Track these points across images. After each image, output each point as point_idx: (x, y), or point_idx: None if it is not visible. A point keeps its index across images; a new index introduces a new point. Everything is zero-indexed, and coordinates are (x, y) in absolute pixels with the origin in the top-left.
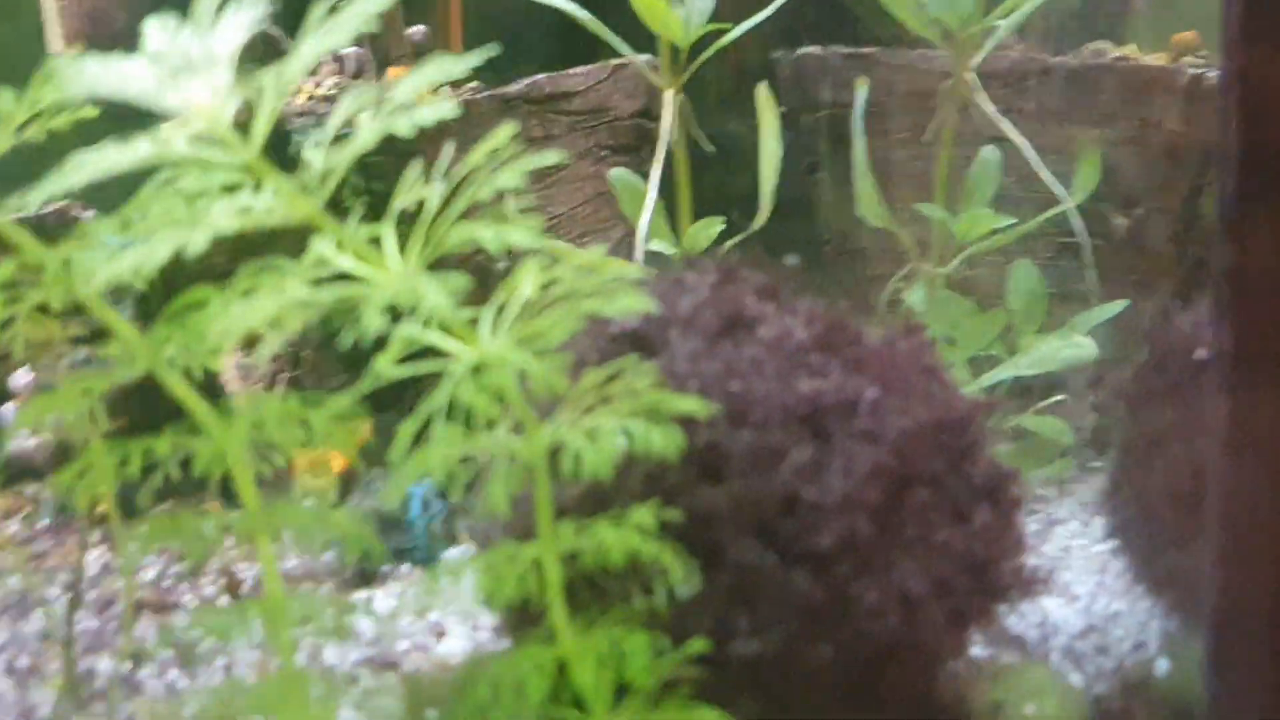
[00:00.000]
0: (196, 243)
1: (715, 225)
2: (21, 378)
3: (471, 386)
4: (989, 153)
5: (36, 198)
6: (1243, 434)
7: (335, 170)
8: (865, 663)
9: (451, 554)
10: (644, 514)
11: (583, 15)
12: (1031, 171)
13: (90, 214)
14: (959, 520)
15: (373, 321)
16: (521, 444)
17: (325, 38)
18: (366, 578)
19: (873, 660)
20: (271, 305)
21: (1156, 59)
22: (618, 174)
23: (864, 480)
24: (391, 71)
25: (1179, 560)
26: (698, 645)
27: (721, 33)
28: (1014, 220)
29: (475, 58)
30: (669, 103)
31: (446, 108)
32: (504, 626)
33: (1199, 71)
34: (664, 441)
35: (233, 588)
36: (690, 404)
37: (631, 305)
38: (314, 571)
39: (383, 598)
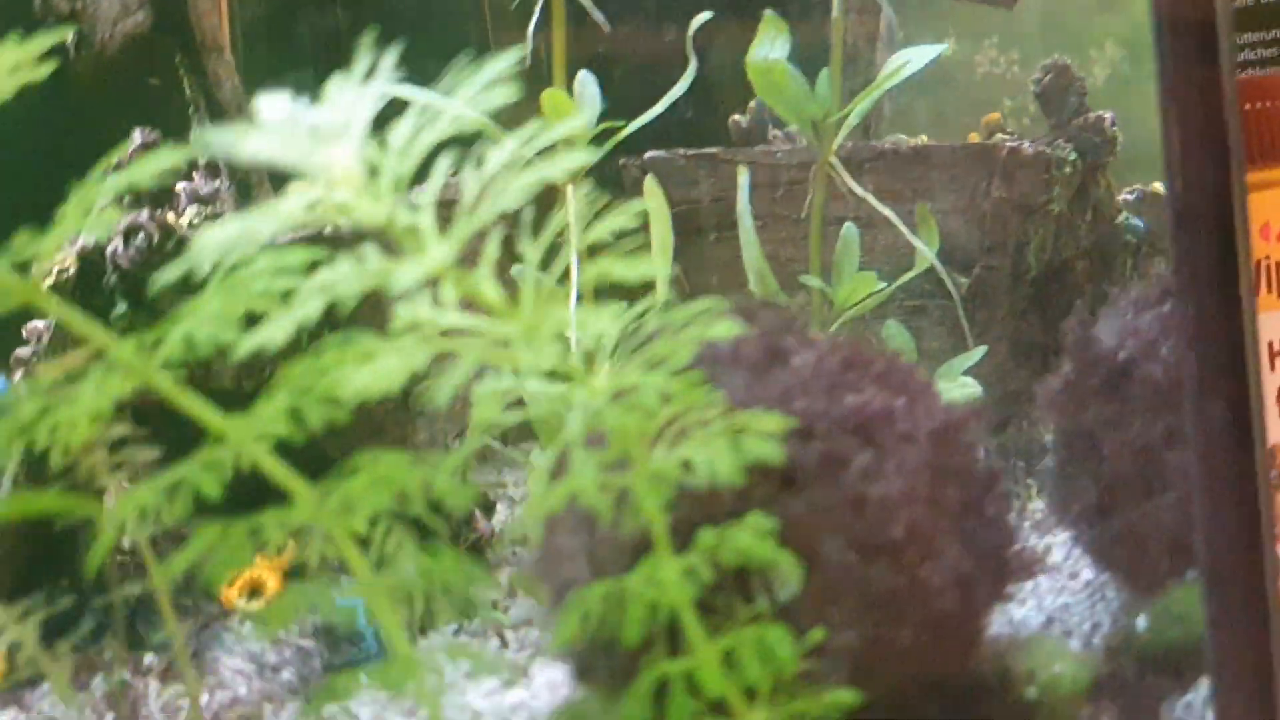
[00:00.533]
0: (348, 295)
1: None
2: None
3: (616, 412)
4: (849, 230)
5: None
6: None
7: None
8: (934, 640)
9: None
10: (758, 519)
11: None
12: (878, 243)
13: None
14: (978, 510)
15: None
16: (657, 462)
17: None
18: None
19: (938, 637)
20: (401, 362)
21: (972, 138)
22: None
23: (914, 475)
24: None
25: (1131, 530)
26: (817, 635)
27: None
28: (884, 285)
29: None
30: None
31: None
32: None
33: (1014, 144)
34: (768, 454)
35: None
36: (773, 422)
37: (728, 330)
38: (271, 693)
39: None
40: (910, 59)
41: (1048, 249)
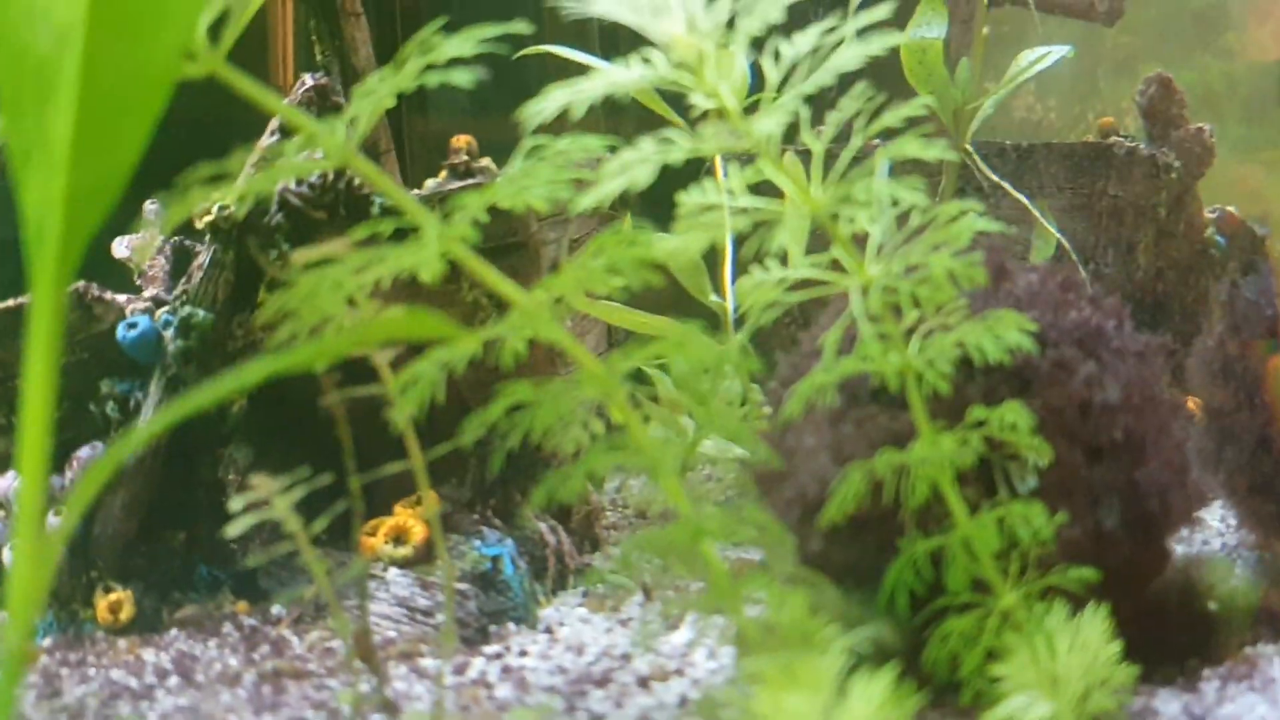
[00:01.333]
0: (677, 156)
1: None
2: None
3: (876, 301)
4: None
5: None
6: None
7: (784, 103)
8: (1144, 538)
9: (546, 613)
10: (1015, 410)
11: None
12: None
13: None
14: (1169, 432)
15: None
16: (923, 347)
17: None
18: (485, 635)
19: (1147, 537)
20: (698, 236)
21: (1087, 138)
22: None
23: (1129, 385)
24: None
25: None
26: (1061, 518)
27: None
28: None
29: None
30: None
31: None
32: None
33: (1131, 144)
34: (1024, 344)
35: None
36: (1021, 321)
37: (989, 225)
38: (425, 635)
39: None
40: (1038, 56)
41: (1151, 252)
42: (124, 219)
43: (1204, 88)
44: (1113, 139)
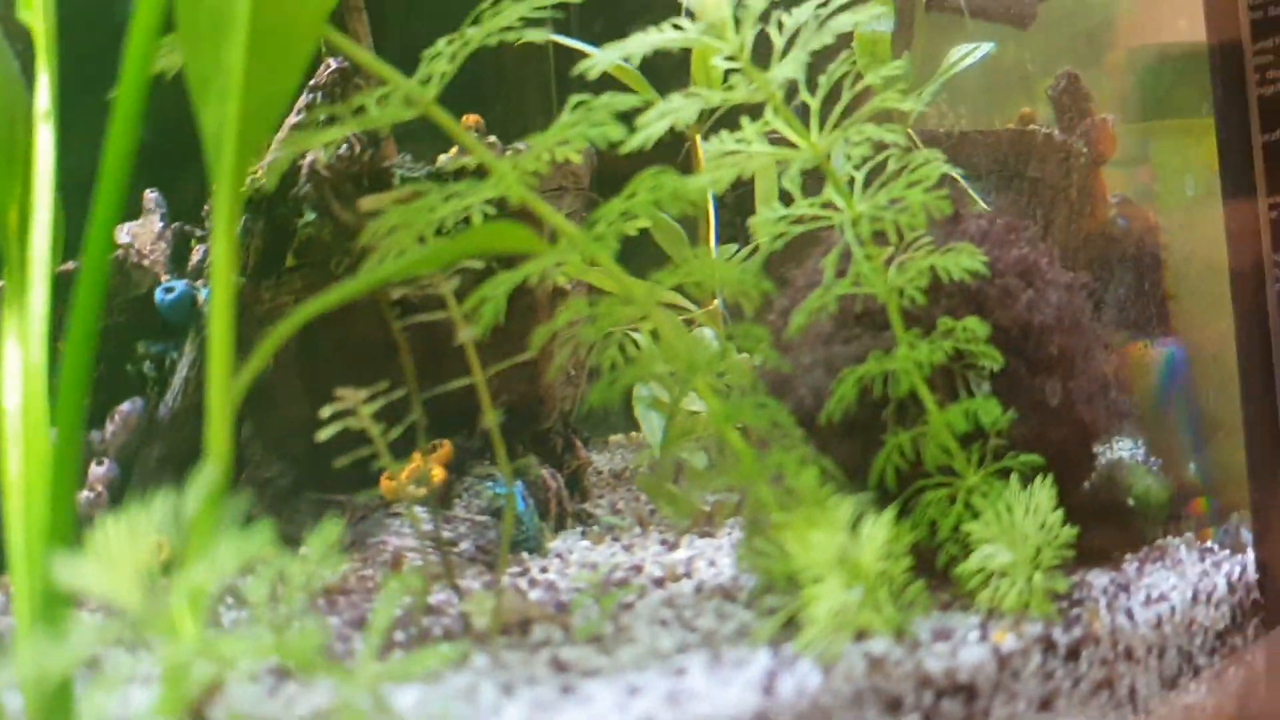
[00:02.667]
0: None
1: None
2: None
3: (865, 229)
4: None
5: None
6: None
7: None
8: (1075, 439)
9: (554, 545)
10: (974, 322)
11: None
12: None
13: None
14: (1092, 356)
15: (790, 183)
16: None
17: None
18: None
19: (1078, 438)
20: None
21: (1008, 125)
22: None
23: (1060, 310)
24: None
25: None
26: (1009, 416)
27: None
28: None
29: None
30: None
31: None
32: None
33: (1047, 131)
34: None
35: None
36: (976, 253)
37: (953, 169)
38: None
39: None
40: (966, 51)
41: (1066, 228)
42: (127, 208)
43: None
44: (1031, 126)
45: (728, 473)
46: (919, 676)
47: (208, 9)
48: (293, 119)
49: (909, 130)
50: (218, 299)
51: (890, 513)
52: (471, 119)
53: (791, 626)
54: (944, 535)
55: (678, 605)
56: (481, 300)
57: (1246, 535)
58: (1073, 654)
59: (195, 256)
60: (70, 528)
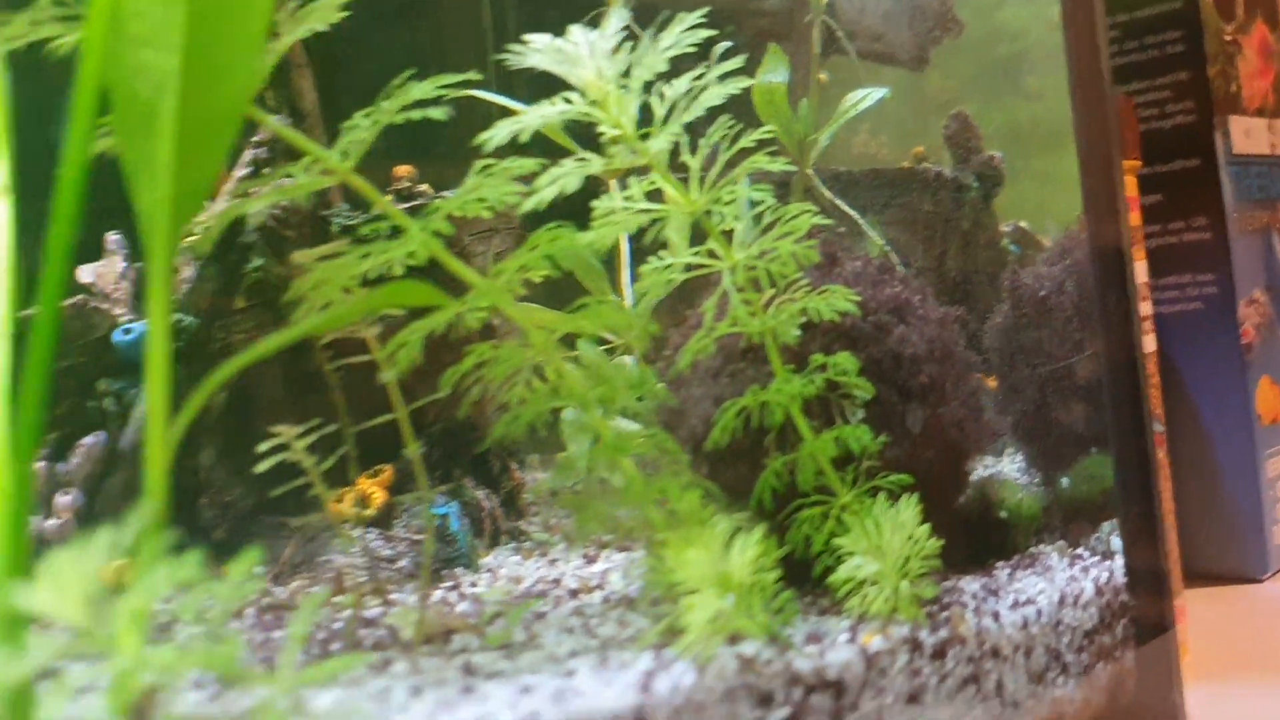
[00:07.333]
0: (593, 169)
1: None
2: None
3: (741, 277)
4: None
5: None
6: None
7: (670, 127)
8: (947, 461)
9: (486, 561)
10: (845, 356)
11: None
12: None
13: None
14: (964, 381)
15: (675, 239)
16: (776, 312)
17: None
18: (438, 577)
19: (949, 460)
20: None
21: (905, 163)
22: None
23: (931, 343)
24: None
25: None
26: (880, 441)
27: None
28: None
29: None
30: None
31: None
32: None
33: (938, 169)
34: (852, 309)
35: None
36: (848, 295)
37: (819, 221)
38: (390, 578)
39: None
40: (864, 96)
41: (959, 257)
42: (88, 250)
43: (1012, 126)
44: (922, 165)
45: (624, 495)
46: (789, 675)
47: (138, 110)
48: (241, 171)
49: (808, 170)
50: (154, 364)
51: (760, 530)
52: (403, 170)
53: (675, 633)
54: (818, 549)
55: (585, 614)
56: (399, 345)
57: (1116, 542)
58: (939, 653)
59: None
60: (25, 556)
